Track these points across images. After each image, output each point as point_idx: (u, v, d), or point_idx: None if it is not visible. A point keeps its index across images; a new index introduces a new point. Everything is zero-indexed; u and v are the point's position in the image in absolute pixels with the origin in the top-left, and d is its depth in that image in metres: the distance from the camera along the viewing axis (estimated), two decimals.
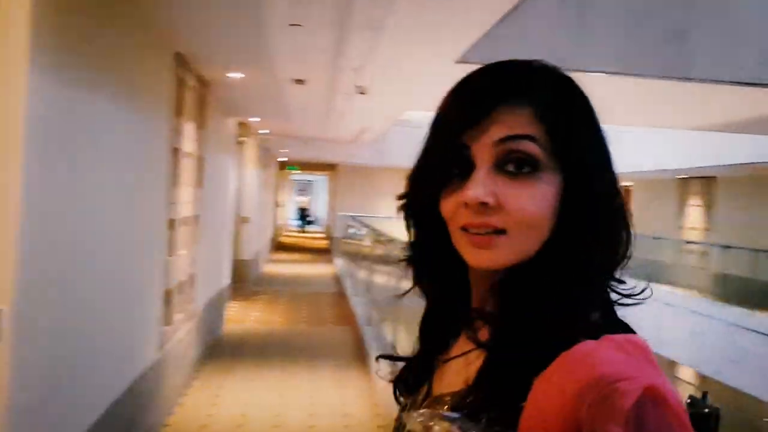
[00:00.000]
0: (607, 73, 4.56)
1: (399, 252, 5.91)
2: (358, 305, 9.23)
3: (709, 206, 14.48)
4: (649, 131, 13.87)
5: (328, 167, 19.92)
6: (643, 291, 0.74)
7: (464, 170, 0.71)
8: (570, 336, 0.64)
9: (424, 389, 0.79)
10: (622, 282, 0.74)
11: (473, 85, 0.74)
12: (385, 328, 7.20)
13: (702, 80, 4.74)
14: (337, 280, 13.09)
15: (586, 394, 0.58)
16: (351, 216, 13.89)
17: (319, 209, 32.92)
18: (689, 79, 4.74)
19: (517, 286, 0.71)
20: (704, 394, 1.65)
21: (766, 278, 11.26)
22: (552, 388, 0.61)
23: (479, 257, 0.71)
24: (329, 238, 20.49)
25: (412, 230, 0.81)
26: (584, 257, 0.70)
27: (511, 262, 0.71)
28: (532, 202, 0.69)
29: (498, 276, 0.72)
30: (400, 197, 0.81)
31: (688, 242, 13.80)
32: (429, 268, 0.82)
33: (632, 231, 0.73)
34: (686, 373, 9.53)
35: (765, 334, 9.64)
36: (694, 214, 14.92)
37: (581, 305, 0.68)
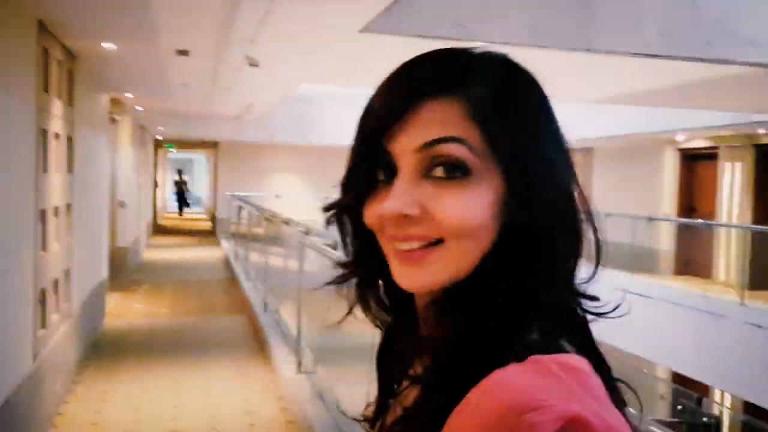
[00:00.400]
0: (513, 44, 4.40)
1: (297, 234, 5.55)
2: (252, 291, 8.82)
3: (587, 176, 15.05)
4: None
5: (210, 145, 19.06)
6: (616, 308, 0.65)
7: (390, 174, 0.63)
8: (496, 361, 0.55)
9: (377, 428, 0.72)
10: (592, 298, 0.64)
11: (397, 77, 0.65)
12: (285, 315, 6.87)
13: (604, 52, 4.69)
14: (226, 264, 12.54)
15: (491, 429, 0.50)
16: (237, 196, 13.31)
17: (200, 189, 31.73)
18: (591, 51, 4.68)
19: (449, 307, 0.62)
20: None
21: (642, 244, 11.81)
22: (463, 422, 0.53)
23: (410, 276, 0.62)
24: (213, 219, 19.71)
25: (347, 244, 0.72)
26: (525, 273, 0.61)
27: (446, 281, 0.62)
28: (466, 208, 0.60)
29: (434, 296, 0.64)
30: (327, 208, 0.71)
31: None
32: (371, 289, 0.72)
33: (602, 242, 0.64)
34: None
35: (645, 296, 10.15)
36: None
37: (515, 326, 0.59)
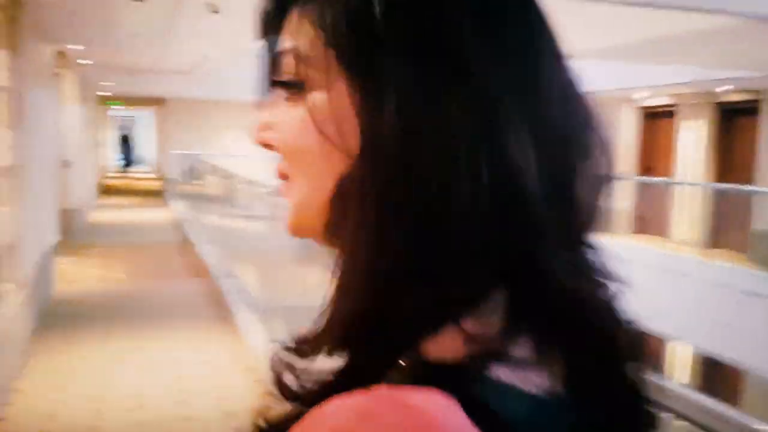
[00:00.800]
0: None
1: (266, 196, 5.28)
2: (210, 254, 8.48)
3: None
4: None
5: (156, 102, 18.32)
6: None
7: None
8: (350, 383, 0.42)
9: None
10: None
11: None
12: (250, 280, 6.59)
13: (595, 0, 4.49)
14: (178, 225, 12.09)
15: None
16: (189, 155, 12.80)
17: (145, 148, 30.74)
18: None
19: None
20: None
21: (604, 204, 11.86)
22: None
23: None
24: (161, 179, 19.05)
25: None
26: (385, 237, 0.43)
27: (295, 226, 0.51)
28: (286, 127, 0.49)
29: None
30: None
31: None
32: None
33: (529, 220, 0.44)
34: None
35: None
36: None
37: (394, 327, 0.43)
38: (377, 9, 0.45)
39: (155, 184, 20.51)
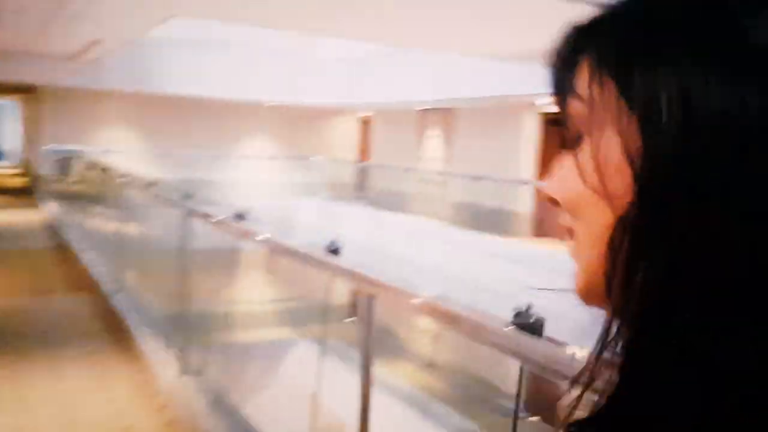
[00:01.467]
0: None
1: (176, 199, 4.54)
2: (96, 265, 7.52)
3: (447, 137, 14.84)
4: (391, 63, 13.86)
5: (24, 89, 16.59)
6: None
7: None
8: None
9: None
10: None
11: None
12: (152, 298, 5.79)
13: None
14: (53, 230, 10.86)
15: None
16: (69, 150, 11.55)
17: (9, 141, 28.17)
18: None
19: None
20: None
21: (508, 207, 11.80)
22: None
23: None
24: (30, 176, 17.31)
25: None
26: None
27: (585, 291, 0.45)
28: (564, 178, 0.45)
29: None
30: None
31: (440, 173, 14.04)
32: None
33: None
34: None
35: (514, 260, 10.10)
36: (434, 144, 15.22)
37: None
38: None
39: (22, 181, 18.68)
